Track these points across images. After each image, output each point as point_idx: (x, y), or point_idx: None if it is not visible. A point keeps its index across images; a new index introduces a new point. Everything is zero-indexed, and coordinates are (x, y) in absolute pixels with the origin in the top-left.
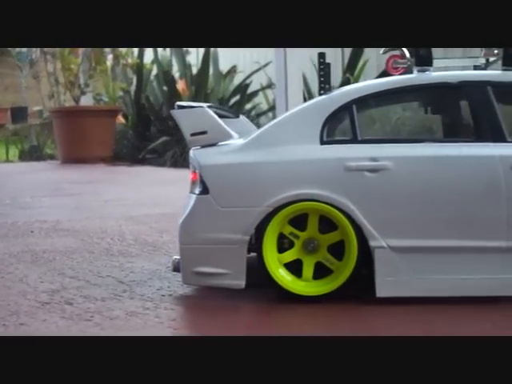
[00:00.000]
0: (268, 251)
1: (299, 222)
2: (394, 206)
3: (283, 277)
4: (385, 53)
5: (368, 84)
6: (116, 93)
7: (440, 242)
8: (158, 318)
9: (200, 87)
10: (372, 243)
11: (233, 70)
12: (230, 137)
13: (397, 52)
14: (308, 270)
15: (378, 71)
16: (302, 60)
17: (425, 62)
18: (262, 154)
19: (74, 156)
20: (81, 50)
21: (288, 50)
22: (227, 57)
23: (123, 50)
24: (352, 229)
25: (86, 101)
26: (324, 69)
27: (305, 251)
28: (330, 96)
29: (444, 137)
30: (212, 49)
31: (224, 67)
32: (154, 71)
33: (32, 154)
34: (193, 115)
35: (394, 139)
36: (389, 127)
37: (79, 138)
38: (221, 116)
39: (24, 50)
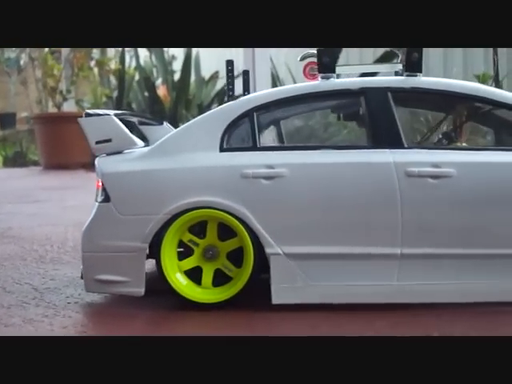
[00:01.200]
0: (166, 258)
1: (201, 229)
2: (290, 213)
3: (181, 284)
4: (302, 59)
5: (270, 91)
6: (102, 99)
7: (335, 249)
8: (51, 325)
9: (181, 93)
10: (268, 250)
11: (215, 76)
12: (134, 144)
13: (314, 59)
14: (207, 277)
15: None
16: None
17: (328, 68)
18: (162, 162)
19: (56, 162)
20: (63, 56)
21: (257, 54)
22: (210, 63)
23: (106, 55)
24: (248, 236)
25: (70, 107)
26: (231, 77)
27: (204, 258)
28: (231, 104)
29: (342, 143)
30: (194, 55)
31: (207, 73)
32: (137, 77)
33: (16, 160)
34: (98, 123)
35: (292, 146)
36: (289, 134)
37: (61, 144)
38: (143, 123)
39: (12, 55)
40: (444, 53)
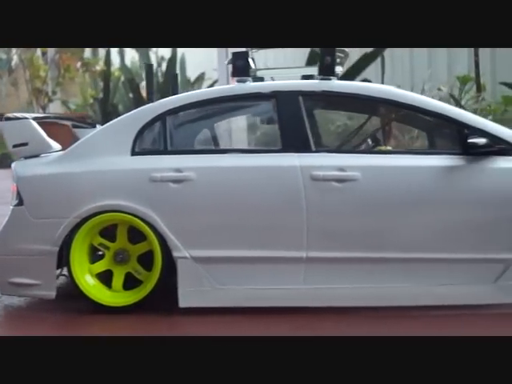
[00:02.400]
0: (76, 262)
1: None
2: (197, 216)
3: (90, 287)
4: (229, 63)
5: (183, 95)
6: (89, 100)
7: (242, 252)
8: None
9: (166, 94)
10: (175, 254)
11: (201, 77)
12: (50, 148)
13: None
14: (118, 280)
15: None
16: None
17: (241, 72)
18: (74, 165)
19: None
20: (49, 58)
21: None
22: (196, 64)
23: (87, 56)
24: (156, 239)
25: (56, 108)
26: (151, 81)
27: (115, 262)
28: (144, 107)
29: (252, 147)
30: (180, 56)
31: (193, 74)
32: (123, 79)
33: (3, 161)
34: (16, 127)
35: (201, 150)
36: (200, 138)
37: None
38: (76, 126)
39: (3, 57)
40: (428, 53)
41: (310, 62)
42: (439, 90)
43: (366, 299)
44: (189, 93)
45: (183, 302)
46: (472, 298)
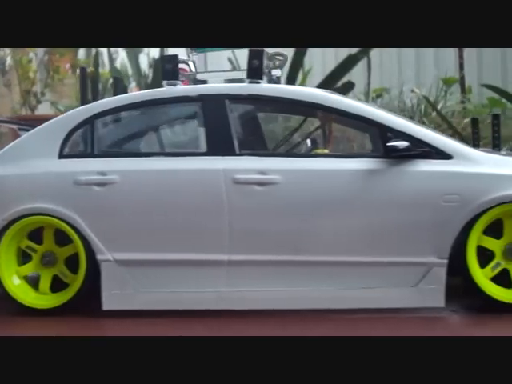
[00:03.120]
0: (3, 264)
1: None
2: (120, 219)
3: (16, 289)
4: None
5: (113, 98)
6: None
7: (165, 256)
8: None
9: None
10: (99, 257)
11: None
12: None
13: (182, 65)
14: (45, 283)
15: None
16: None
17: (171, 75)
18: (3, 168)
19: None
20: (38, 59)
21: (209, 57)
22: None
23: (82, 58)
24: (81, 242)
25: (45, 110)
26: (84, 84)
27: (42, 264)
28: (74, 111)
29: (179, 150)
30: None
31: None
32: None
33: None
34: None
35: (127, 153)
36: (127, 141)
37: None
38: (22, 129)
39: None
40: (416, 54)
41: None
42: (413, 92)
43: (288, 302)
44: (118, 96)
45: (107, 305)
46: (393, 302)
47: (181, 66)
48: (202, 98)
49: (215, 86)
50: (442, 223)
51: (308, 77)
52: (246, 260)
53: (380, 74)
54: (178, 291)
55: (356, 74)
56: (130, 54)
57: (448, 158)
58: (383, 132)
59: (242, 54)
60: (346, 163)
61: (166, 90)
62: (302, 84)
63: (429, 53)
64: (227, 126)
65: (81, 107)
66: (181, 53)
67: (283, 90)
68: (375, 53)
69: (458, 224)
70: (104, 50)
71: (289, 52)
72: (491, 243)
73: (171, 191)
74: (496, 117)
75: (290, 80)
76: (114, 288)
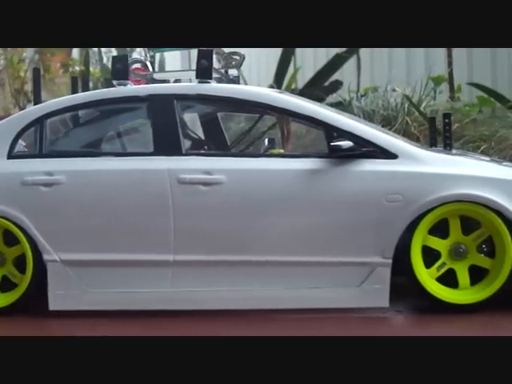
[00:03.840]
0: None
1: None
2: (66, 220)
3: None
4: (129, 65)
5: (63, 98)
6: None
7: (111, 256)
8: None
9: None
10: (45, 257)
11: (178, 80)
12: None
13: (139, 65)
14: None
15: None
16: None
17: (121, 75)
18: None
19: None
20: (28, 58)
21: (193, 56)
22: (174, 65)
23: (76, 57)
24: (27, 243)
25: None
26: (38, 84)
27: None
28: (24, 111)
29: (126, 150)
30: (159, 56)
31: None
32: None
33: None
34: None
35: (75, 153)
36: (76, 141)
37: None
38: None
39: None
40: (407, 52)
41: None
42: (394, 90)
43: (234, 302)
44: (68, 96)
45: (53, 305)
46: (337, 302)
47: (137, 65)
48: (151, 98)
49: (164, 85)
50: (386, 223)
51: (300, 74)
52: (191, 260)
53: (371, 73)
54: (124, 291)
55: (348, 72)
56: (120, 52)
57: (393, 158)
58: (329, 132)
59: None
60: (291, 163)
61: (116, 90)
62: (291, 82)
63: (419, 52)
64: (174, 126)
65: (32, 107)
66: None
67: (231, 89)
68: (366, 51)
69: (402, 224)
70: (97, 50)
71: (277, 51)
72: (437, 243)
73: (117, 191)
74: (447, 116)
75: (278, 78)
76: (60, 288)
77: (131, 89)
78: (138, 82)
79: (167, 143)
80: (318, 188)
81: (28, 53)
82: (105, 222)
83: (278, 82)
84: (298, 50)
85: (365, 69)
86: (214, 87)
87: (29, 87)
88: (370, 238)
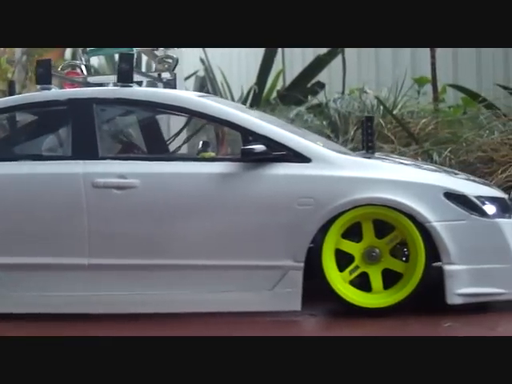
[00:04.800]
0: None
1: None
2: None
3: None
4: (63, 69)
5: None
6: None
7: (27, 260)
8: None
9: None
10: None
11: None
12: None
13: (74, 69)
14: None
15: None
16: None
17: (44, 79)
18: None
19: None
20: (16, 59)
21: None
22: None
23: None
24: None
25: None
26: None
27: None
28: None
29: (45, 154)
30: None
31: None
32: None
33: None
34: None
35: None
36: None
37: None
38: None
39: None
40: (393, 53)
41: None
42: (365, 92)
43: (148, 306)
44: None
45: None
46: (250, 305)
47: (72, 69)
48: (70, 102)
49: (84, 90)
50: (297, 227)
51: (289, 74)
52: (105, 264)
53: (358, 74)
54: (40, 295)
55: (336, 73)
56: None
57: (307, 162)
58: (245, 135)
59: (214, 54)
60: (205, 166)
61: (38, 94)
62: (275, 83)
63: (406, 53)
64: (92, 130)
65: None
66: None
67: (150, 93)
68: (353, 52)
69: (313, 227)
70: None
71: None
72: (350, 247)
73: (33, 195)
74: (369, 119)
75: (261, 80)
76: None
77: (52, 93)
78: (72, 86)
79: (84, 147)
80: (230, 192)
81: (16, 54)
82: (21, 225)
83: (260, 83)
84: (287, 50)
85: (352, 69)
86: (133, 91)
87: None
88: (281, 241)
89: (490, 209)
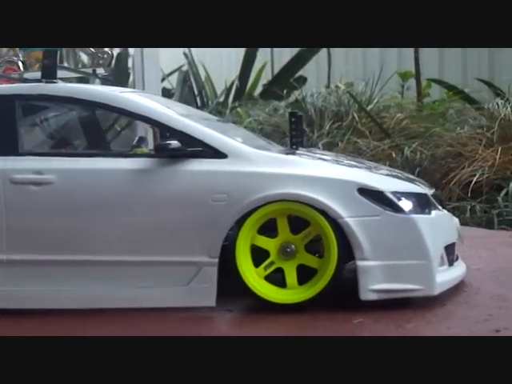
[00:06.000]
0: None
1: None
2: None
3: None
4: (1, 66)
5: None
6: None
7: None
8: None
9: None
10: None
11: None
12: None
13: (10, 65)
14: None
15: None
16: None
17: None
18: None
19: None
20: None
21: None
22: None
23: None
24: None
25: None
26: None
27: None
28: None
29: None
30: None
31: None
32: None
33: None
34: None
35: None
36: None
37: None
38: None
39: None
40: (380, 52)
41: (245, 62)
42: (337, 87)
43: (67, 301)
44: None
45: None
46: (165, 301)
47: (9, 65)
48: None
49: (7, 86)
50: (212, 223)
51: (277, 67)
52: (24, 260)
53: (346, 68)
54: None
55: (324, 67)
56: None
57: (223, 157)
58: (162, 131)
59: (197, 48)
60: (121, 163)
61: None
62: (258, 77)
63: (393, 48)
64: (13, 126)
65: None
66: None
67: (71, 89)
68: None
69: (227, 223)
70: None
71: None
72: (265, 242)
73: None
74: (293, 115)
75: (243, 76)
76: None
77: None
78: (9, 82)
79: (4, 143)
80: (145, 188)
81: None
82: None
83: (242, 78)
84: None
85: (340, 64)
86: (55, 87)
87: None
88: (196, 237)
89: (406, 204)
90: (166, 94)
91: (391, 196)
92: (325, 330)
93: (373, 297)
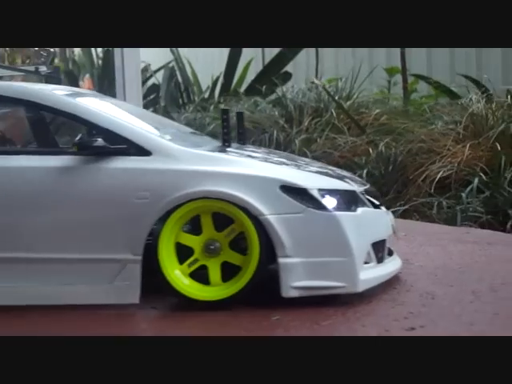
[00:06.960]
0: None
1: None
2: None
3: None
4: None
5: None
6: None
7: None
8: None
9: (103, 87)
10: None
11: (144, 69)
12: None
13: None
14: None
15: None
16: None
17: None
18: None
19: None
20: None
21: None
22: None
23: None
24: None
25: None
26: None
27: None
28: None
29: None
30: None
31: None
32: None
33: None
34: None
35: None
36: None
37: None
38: None
39: None
40: (369, 51)
41: (231, 58)
42: (312, 83)
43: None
44: None
45: None
46: (90, 298)
47: None
48: None
49: None
50: (135, 220)
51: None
52: None
53: (335, 65)
54: None
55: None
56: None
57: (147, 155)
58: (88, 128)
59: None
60: (44, 160)
61: None
62: (245, 73)
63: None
64: None
65: None
66: None
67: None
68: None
69: (150, 221)
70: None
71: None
72: (190, 240)
73: None
74: (225, 112)
75: (228, 72)
76: None
77: None
78: None
79: None
80: (69, 185)
81: None
82: None
83: (228, 73)
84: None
85: (329, 59)
86: None
87: None
88: (120, 235)
89: (330, 202)
90: (156, 89)
91: (314, 193)
92: (244, 330)
93: (294, 294)
